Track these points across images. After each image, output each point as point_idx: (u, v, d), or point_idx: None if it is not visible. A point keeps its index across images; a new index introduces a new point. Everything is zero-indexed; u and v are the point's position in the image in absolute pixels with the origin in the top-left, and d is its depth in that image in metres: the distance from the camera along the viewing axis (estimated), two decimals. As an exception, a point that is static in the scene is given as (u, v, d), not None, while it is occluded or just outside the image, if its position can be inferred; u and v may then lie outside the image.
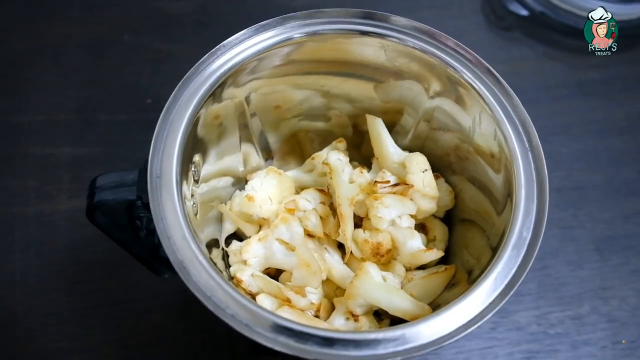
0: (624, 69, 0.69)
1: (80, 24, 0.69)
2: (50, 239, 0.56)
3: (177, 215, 0.37)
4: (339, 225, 0.46)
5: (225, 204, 0.49)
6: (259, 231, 0.48)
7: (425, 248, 0.45)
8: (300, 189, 0.50)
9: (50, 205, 0.58)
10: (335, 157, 0.48)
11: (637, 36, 0.70)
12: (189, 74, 0.42)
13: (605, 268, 0.57)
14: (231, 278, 0.45)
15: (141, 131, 0.60)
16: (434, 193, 0.47)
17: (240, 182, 0.52)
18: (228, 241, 0.49)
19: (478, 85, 0.42)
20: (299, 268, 0.43)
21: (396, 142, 0.50)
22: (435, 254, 0.45)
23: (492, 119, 0.42)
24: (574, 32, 0.68)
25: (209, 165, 0.46)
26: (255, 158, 0.52)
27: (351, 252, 0.46)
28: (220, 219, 0.50)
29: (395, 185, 0.46)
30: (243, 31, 0.43)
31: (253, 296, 0.44)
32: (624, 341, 0.53)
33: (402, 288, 0.45)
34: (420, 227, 0.49)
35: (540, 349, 0.53)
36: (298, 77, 0.48)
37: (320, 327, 0.38)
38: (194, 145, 0.42)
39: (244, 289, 0.44)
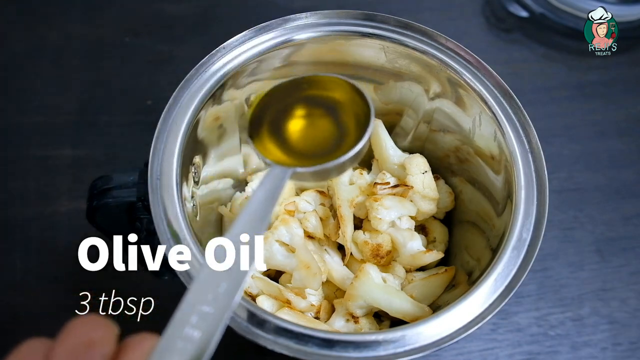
0: (624, 70, 0.69)
1: (80, 26, 0.69)
2: (51, 241, 0.56)
3: (178, 216, 0.37)
4: (339, 227, 0.45)
5: (226, 206, 0.49)
6: (259, 233, 0.48)
7: (425, 249, 0.45)
8: (300, 190, 0.50)
9: (50, 206, 0.58)
10: (335, 158, 0.48)
11: (636, 38, 0.70)
12: (189, 75, 0.42)
13: (606, 269, 0.57)
14: (231, 279, 0.45)
15: (141, 133, 0.60)
16: (434, 194, 0.47)
17: (241, 184, 0.52)
18: (228, 243, 0.49)
19: (478, 86, 0.42)
20: (299, 270, 0.43)
21: (396, 143, 0.50)
22: (435, 255, 0.45)
23: (492, 121, 0.42)
24: (574, 33, 0.68)
25: (209, 167, 0.46)
26: (256, 159, 0.52)
27: (351, 254, 0.46)
28: (220, 221, 0.50)
29: (395, 186, 0.46)
30: (243, 33, 0.43)
31: (253, 298, 0.44)
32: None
33: (402, 289, 0.45)
34: (420, 228, 0.49)
35: (541, 351, 0.53)
36: (298, 79, 0.48)
37: (320, 328, 0.38)
38: (194, 147, 0.42)
39: (244, 291, 0.44)
